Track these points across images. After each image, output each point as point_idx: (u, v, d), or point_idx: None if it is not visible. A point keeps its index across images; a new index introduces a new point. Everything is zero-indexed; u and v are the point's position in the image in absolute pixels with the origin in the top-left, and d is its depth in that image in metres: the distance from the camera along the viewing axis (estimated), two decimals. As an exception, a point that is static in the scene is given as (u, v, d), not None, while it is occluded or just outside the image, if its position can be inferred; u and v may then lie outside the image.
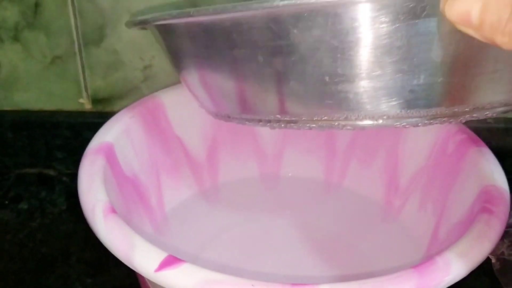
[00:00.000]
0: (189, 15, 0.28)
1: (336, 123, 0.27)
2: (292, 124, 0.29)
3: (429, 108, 0.26)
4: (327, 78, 0.26)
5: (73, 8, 0.53)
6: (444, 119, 0.27)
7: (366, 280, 0.29)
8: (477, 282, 0.40)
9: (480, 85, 0.26)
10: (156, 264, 0.29)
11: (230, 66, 0.29)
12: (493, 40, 0.22)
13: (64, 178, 0.58)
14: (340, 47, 0.25)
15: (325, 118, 0.27)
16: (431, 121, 0.27)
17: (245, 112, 0.30)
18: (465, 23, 0.22)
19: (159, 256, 0.29)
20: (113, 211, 0.33)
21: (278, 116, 0.29)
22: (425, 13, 0.24)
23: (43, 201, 0.55)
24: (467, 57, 0.25)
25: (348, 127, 0.27)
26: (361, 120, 0.27)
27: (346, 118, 0.27)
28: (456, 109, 0.27)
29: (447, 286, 0.31)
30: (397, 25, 0.24)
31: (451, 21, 0.23)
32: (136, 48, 0.55)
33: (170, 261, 0.29)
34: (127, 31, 0.54)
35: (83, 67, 0.56)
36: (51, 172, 0.59)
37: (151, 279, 0.29)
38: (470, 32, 0.22)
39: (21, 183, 0.58)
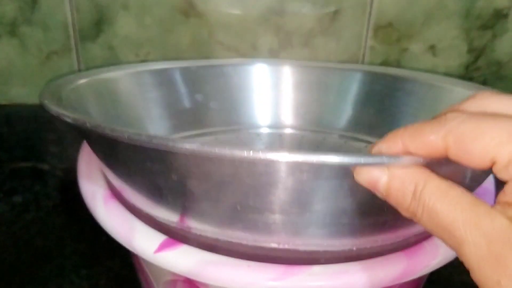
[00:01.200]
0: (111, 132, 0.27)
1: (245, 242, 0.30)
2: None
3: (323, 239, 0.30)
4: (238, 207, 0.28)
5: (70, 4, 0.54)
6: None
7: (356, 262, 0.31)
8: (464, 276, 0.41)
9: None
10: (155, 246, 0.31)
11: (144, 177, 0.30)
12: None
13: (58, 172, 0.59)
14: (253, 184, 0.27)
15: (235, 237, 0.30)
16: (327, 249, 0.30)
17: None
18: (374, 190, 0.23)
19: (159, 238, 0.31)
20: (113, 197, 0.34)
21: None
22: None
23: (37, 195, 0.56)
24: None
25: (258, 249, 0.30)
26: (268, 243, 0.30)
27: (255, 241, 0.30)
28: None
29: (435, 268, 0.32)
30: (304, 179, 0.26)
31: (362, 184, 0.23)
32: (132, 44, 0.56)
33: (169, 243, 0.31)
34: (123, 27, 0.56)
35: (79, 62, 0.57)
36: (45, 166, 0.60)
37: (150, 261, 0.31)
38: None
39: (15, 177, 0.59)
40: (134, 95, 0.46)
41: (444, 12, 0.55)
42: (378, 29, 0.56)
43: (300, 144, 0.52)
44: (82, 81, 0.40)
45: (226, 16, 0.56)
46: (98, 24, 0.56)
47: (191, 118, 0.51)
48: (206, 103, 0.52)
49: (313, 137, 0.53)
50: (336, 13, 0.56)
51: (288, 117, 0.54)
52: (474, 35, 0.56)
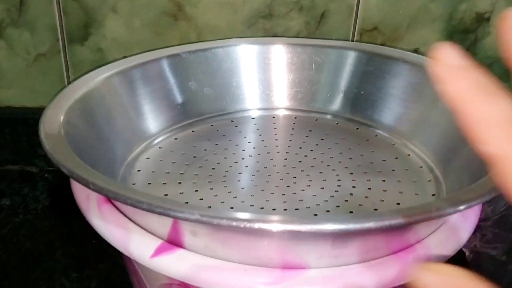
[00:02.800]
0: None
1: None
2: None
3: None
4: None
5: (58, 6, 0.54)
6: None
7: (352, 266, 0.31)
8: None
9: None
10: (151, 251, 0.30)
11: None
12: None
13: (46, 175, 0.59)
14: None
15: None
16: None
17: None
18: None
19: (155, 242, 0.31)
20: (107, 201, 0.34)
21: None
22: None
23: (25, 197, 0.55)
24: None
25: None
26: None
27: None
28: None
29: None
30: None
31: None
32: (121, 46, 0.56)
33: (165, 247, 0.30)
34: (112, 29, 0.55)
35: (67, 65, 0.56)
36: (33, 169, 0.59)
37: (146, 265, 0.30)
38: None
39: (3, 180, 0.58)
40: (123, 97, 0.46)
41: (428, 16, 0.56)
42: (363, 32, 0.57)
43: (294, 127, 0.52)
44: (70, 101, 0.40)
45: (214, 19, 0.56)
46: (87, 27, 0.55)
47: (186, 107, 0.51)
48: (200, 90, 0.52)
49: (306, 118, 0.53)
50: (322, 16, 0.56)
51: (281, 98, 0.54)
52: (457, 39, 0.57)
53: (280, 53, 0.53)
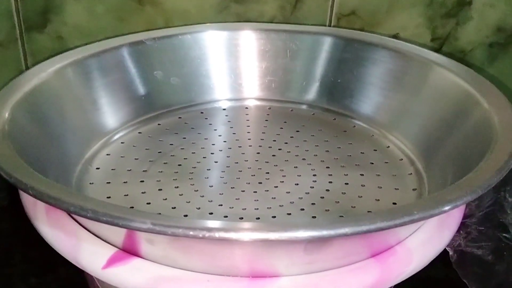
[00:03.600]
0: None
1: None
2: None
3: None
4: None
5: (14, -9, 0.50)
6: None
7: (326, 272, 0.28)
8: (435, 274, 0.39)
9: None
10: (103, 261, 0.27)
11: None
12: None
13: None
14: None
15: None
16: None
17: None
18: None
19: (107, 251, 0.27)
20: (56, 205, 0.30)
21: None
22: None
23: (-19, 198, 0.52)
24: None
25: None
26: None
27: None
28: None
29: (408, 276, 0.30)
30: None
31: None
32: (83, 33, 0.52)
33: (119, 256, 0.27)
34: (72, 15, 0.51)
35: (25, 53, 0.52)
36: (-8, 166, 0.55)
37: (99, 277, 0.27)
38: None
39: (-41, 178, 0.54)
40: (78, 90, 0.42)
41: (408, 0, 0.53)
42: (341, 17, 0.53)
43: (267, 118, 0.48)
44: (16, 96, 0.36)
45: (183, 3, 0.52)
46: (45, 13, 0.51)
47: (151, 99, 0.47)
48: (167, 80, 0.48)
49: (280, 108, 0.50)
50: (298, 1, 0.53)
51: (254, 88, 0.51)
52: (438, 24, 0.54)
53: (252, 40, 0.50)
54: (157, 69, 0.47)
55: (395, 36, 0.53)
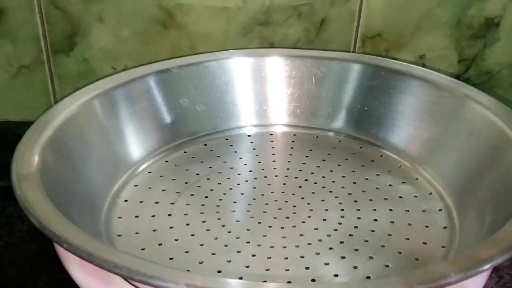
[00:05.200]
0: None
1: None
2: None
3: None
4: None
5: (41, 16, 0.50)
6: None
7: None
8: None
9: None
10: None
11: None
12: None
13: (32, 192, 0.55)
14: None
15: None
16: None
17: None
18: None
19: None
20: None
21: None
22: None
23: (10, 217, 0.51)
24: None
25: None
26: None
27: None
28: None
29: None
30: None
31: None
32: (108, 56, 0.52)
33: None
34: (98, 39, 0.51)
35: (51, 76, 0.53)
36: (18, 186, 0.55)
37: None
38: None
39: (-14, 198, 0.54)
40: (104, 122, 0.42)
41: (435, 22, 0.52)
42: (366, 39, 0.53)
43: (293, 145, 0.48)
44: (44, 135, 0.36)
45: (207, 27, 0.51)
46: (72, 37, 0.51)
47: (176, 127, 0.47)
48: (192, 107, 0.48)
49: (305, 135, 0.49)
50: (323, 23, 0.52)
51: (279, 114, 0.50)
52: (465, 45, 0.53)
53: (277, 66, 0.49)
54: (183, 97, 0.47)
55: (421, 58, 0.52)
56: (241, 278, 0.33)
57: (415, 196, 0.41)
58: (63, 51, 0.52)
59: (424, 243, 0.36)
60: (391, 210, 0.39)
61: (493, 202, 0.34)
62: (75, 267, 0.29)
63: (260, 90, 0.49)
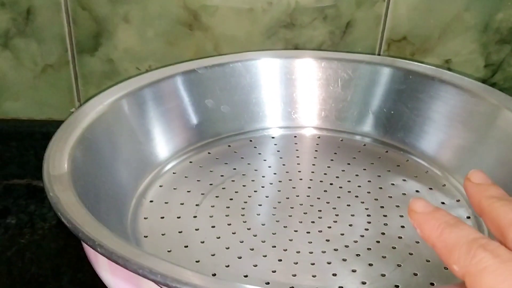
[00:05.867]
0: None
1: None
2: None
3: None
4: None
5: (67, 16, 0.50)
6: None
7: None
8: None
9: None
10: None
11: None
12: None
13: (55, 190, 0.55)
14: None
15: None
16: None
17: None
18: None
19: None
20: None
21: None
22: None
23: (32, 215, 0.51)
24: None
25: None
26: None
27: None
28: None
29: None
30: None
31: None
32: (132, 57, 0.52)
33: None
34: (123, 40, 0.51)
35: (76, 76, 0.53)
36: (41, 184, 0.55)
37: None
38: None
39: (9, 196, 0.54)
40: (132, 122, 0.41)
41: (461, 26, 0.51)
42: (391, 43, 0.52)
43: (317, 148, 0.47)
44: (74, 134, 0.36)
45: (232, 29, 0.51)
46: (97, 37, 0.51)
47: (201, 127, 0.47)
48: (217, 108, 0.48)
49: (330, 138, 0.49)
50: (348, 26, 0.51)
51: (303, 116, 0.50)
52: (492, 50, 0.52)
53: (303, 68, 0.49)
54: (208, 98, 0.47)
55: (447, 62, 0.51)
56: (268, 284, 0.33)
57: (442, 203, 0.40)
58: (88, 51, 0.51)
59: (453, 251, 0.36)
60: (418, 216, 0.39)
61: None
62: (106, 270, 0.29)
63: (285, 92, 0.49)
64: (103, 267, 0.29)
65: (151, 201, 0.40)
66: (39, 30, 0.50)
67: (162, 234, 0.37)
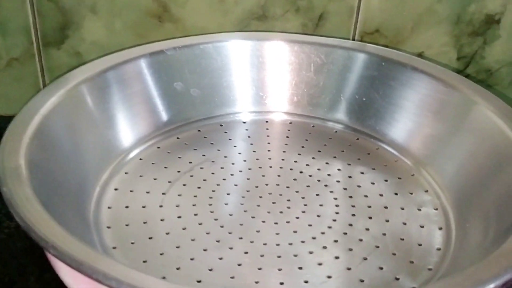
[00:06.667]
0: None
1: None
2: None
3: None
4: None
5: (32, 7, 0.47)
6: None
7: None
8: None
9: None
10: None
11: None
12: None
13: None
14: None
15: None
16: None
17: None
18: None
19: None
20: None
21: None
22: None
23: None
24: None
25: None
26: None
27: None
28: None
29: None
30: None
31: None
32: (100, 50, 0.50)
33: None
34: (90, 31, 0.49)
35: (42, 69, 0.51)
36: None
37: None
38: None
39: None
40: (92, 108, 0.39)
41: (434, 18, 0.50)
42: (364, 35, 0.51)
43: (289, 134, 0.46)
44: (30, 126, 0.34)
45: (203, 20, 0.49)
46: (63, 29, 0.49)
47: (170, 111, 0.45)
48: (186, 92, 0.46)
49: (302, 123, 0.48)
50: (321, 18, 0.50)
51: (275, 101, 0.48)
52: (464, 42, 0.51)
53: (276, 51, 0.48)
54: (177, 80, 0.45)
55: (420, 55, 0.51)
56: (233, 278, 0.32)
57: (410, 193, 0.40)
58: (55, 43, 0.49)
59: (419, 244, 0.35)
60: (386, 207, 0.38)
61: (496, 210, 0.33)
62: (64, 271, 0.28)
63: (257, 76, 0.47)
64: (62, 269, 0.28)
65: (115, 189, 0.38)
66: (3, 22, 0.48)
67: (126, 225, 0.36)
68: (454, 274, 0.29)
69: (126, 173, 0.41)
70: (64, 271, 0.28)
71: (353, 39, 0.50)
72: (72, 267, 0.23)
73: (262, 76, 0.48)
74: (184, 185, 0.40)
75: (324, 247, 0.35)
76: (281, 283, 0.32)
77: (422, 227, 0.37)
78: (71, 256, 0.23)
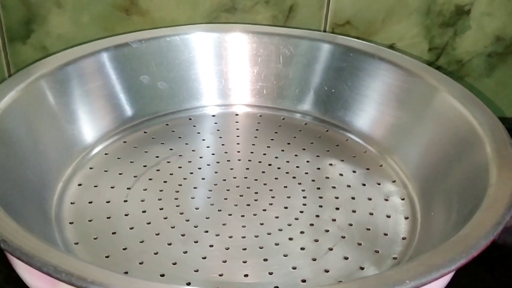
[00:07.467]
0: None
1: None
2: None
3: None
4: None
5: (-5, 1, 0.46)
6: None
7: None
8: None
9: None
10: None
11: None
12: None
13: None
14: None
15: None
16: None
17: None
18: None
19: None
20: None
21: None
22: None
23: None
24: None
25: None
26: None
27: None
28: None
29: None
30: None
31: None
32: (67, 44, 0.48)
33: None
34: (56, 25, 0.48)
35: (8, 65, 0.49)
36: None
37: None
38: None
39: None
40: (52, 104, 0.38)
41: (405, 10, 0.50)
42: (335, 27, 0.50)
43: (258, 127, 0.46)
44: None
45: (172, 13, 0.48)
46: (28, 23, 0.48)
47: (136, 105, 0.44)
48: (153, 85, 0.45)
49: (271, 116, 0.47)
50: (291, 10, 0.49)
51: (244, 94, 0.48)
52: (435, 33, 0.51)
53: (243, 43, 0.47)
54: (143, 74, 0.45)
55: (391, 46, 0.50)
56: (197, 271, 0.32)
57: (378, 184, 0.40)
58: (20, 38, 0.48)
59: (385, 234, 0.35)
60: (353, 198, 0.38)
61: (458, 196, 0.33)
62: (20, 267, 0.27)
63: (225, 68, 0.47)
64: (17, 264, 0.27)
65: (79, 185, 0.38)
66: (-36, 15, 0.47)
67: (89, 220, 0.35)
68: (411, 260, 0.29)
69: (90, 168, 0.40)
70: (20, 268, 0.27)
71: (324, 31, 0.50)
72: (23, 260, 0.22)
73: (230, 69, 0.47)
74: (150, 179, 0.39)
75: (290, 239, 0.35)
76: (246, 275, 0.32)
77: (388, 217, 0.37)
78: (21, 250, 0.22)
